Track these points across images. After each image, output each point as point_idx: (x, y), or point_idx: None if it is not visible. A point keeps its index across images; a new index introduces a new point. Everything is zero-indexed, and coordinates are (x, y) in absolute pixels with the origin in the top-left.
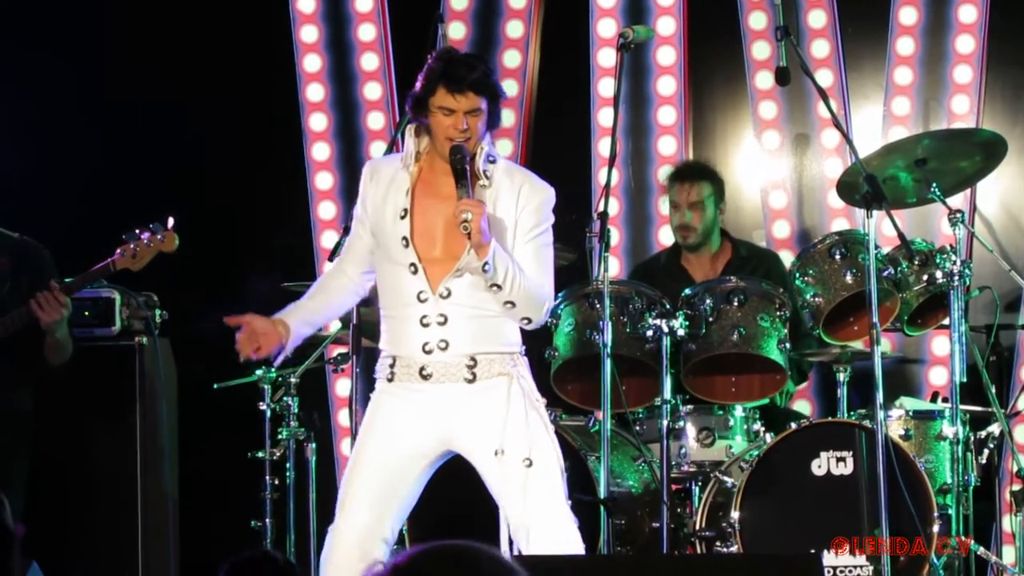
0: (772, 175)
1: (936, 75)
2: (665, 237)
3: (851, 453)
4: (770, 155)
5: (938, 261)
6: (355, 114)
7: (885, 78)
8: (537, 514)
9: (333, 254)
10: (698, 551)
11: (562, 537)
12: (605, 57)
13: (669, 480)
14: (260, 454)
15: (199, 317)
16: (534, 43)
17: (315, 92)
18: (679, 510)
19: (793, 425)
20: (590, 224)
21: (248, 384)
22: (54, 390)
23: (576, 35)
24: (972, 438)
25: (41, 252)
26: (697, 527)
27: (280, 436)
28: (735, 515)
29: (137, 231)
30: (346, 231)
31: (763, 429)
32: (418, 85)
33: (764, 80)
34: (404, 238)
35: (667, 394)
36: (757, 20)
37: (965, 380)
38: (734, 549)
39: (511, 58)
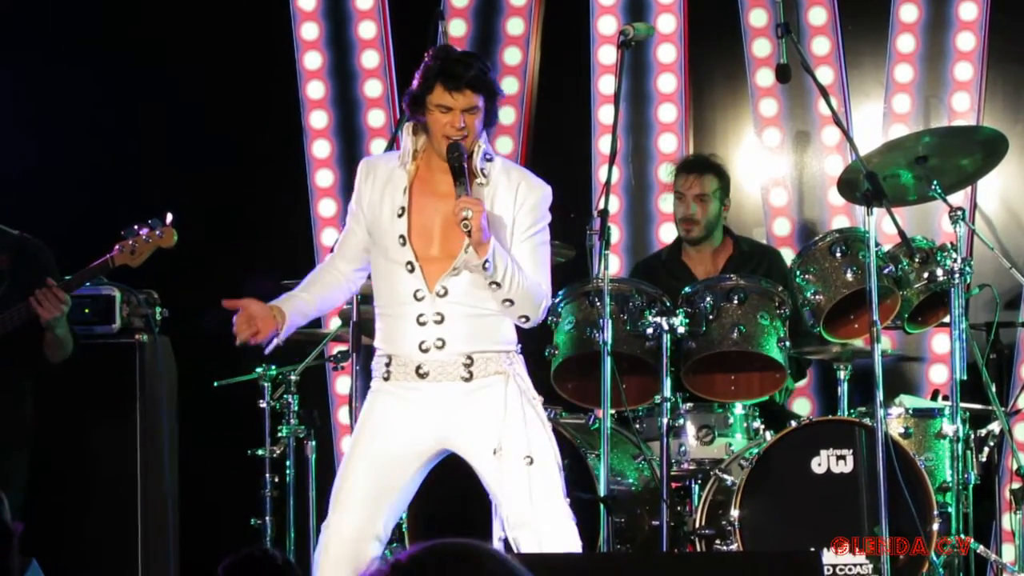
0: (772, 172)
1: (937, 72)
2: (665, 235)
3: (851, 451)
4: (770, 152)
5: (938, 259)
6: (355, 111)
7: (885, 75)
8: (538, 511)
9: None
10: (698, 549)
11: (562, 534)
12: (605, 54)
13: (669, 478)
14: (260, 452)
15: (199, 315)
16: (534, 40)
17: (315, 89)
18: (679, 508)
19: (793, 423)
20: (590, 222)
21: (248, 382)
22: (54, 387)
23: (576, 32)
24: (972, 436)
25: (41, 249)
26: (697, 525)
27: (280, 434)
28: (735, 513)
29: (136, 227)
30: None
31: (763, 427)
32: (415, 83)
33: (765, 77)
34: (401, 236)
35: (667, 392)
36: (758, 17)
37: (965, 378)
38: (734, 547)
39: (511, 55)
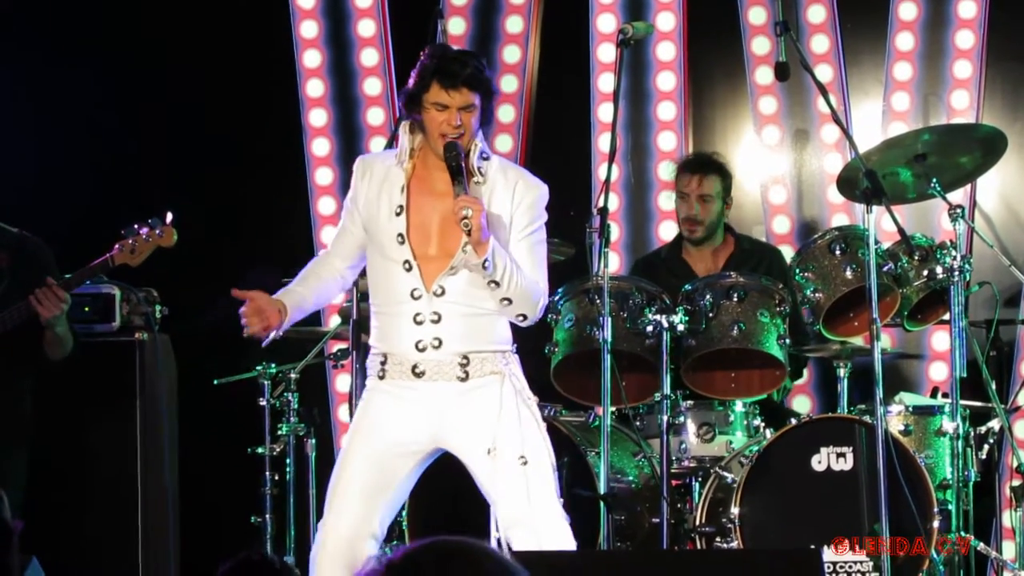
0: (772, 171)
1: (936, 70)
2: (665, 233)
3: (851, 449)
4: (770, 151)
5: (938, 256)
6: (355, 110)
7: (885, 73)
8: (532, 511)
9: None
10: (698, 547)
11: (555, 534)
12: (605, 52)
13: (669, 476)
14: (260, 450)
15: (199, 313)
16: (534, 39)
17: (315, 88)
18: (679, 506)
19: (793, 421)
20: (590, 219)
21: (248, 380)
22: (54, 386)
23: (576, 31)
24: (972, 433)
25: (41, 247)
26: (697, 523)
27: (280, 432)
28: (735, 511)
29: (136, 226)
30: None
31: (763, 425)
32: (411, 82)
33: (764, 76)
34: (400, 235)
35: (667, 389)
36: (757, 15)
37: (965, 375)
38: (734, 545)
39: (511, 54)
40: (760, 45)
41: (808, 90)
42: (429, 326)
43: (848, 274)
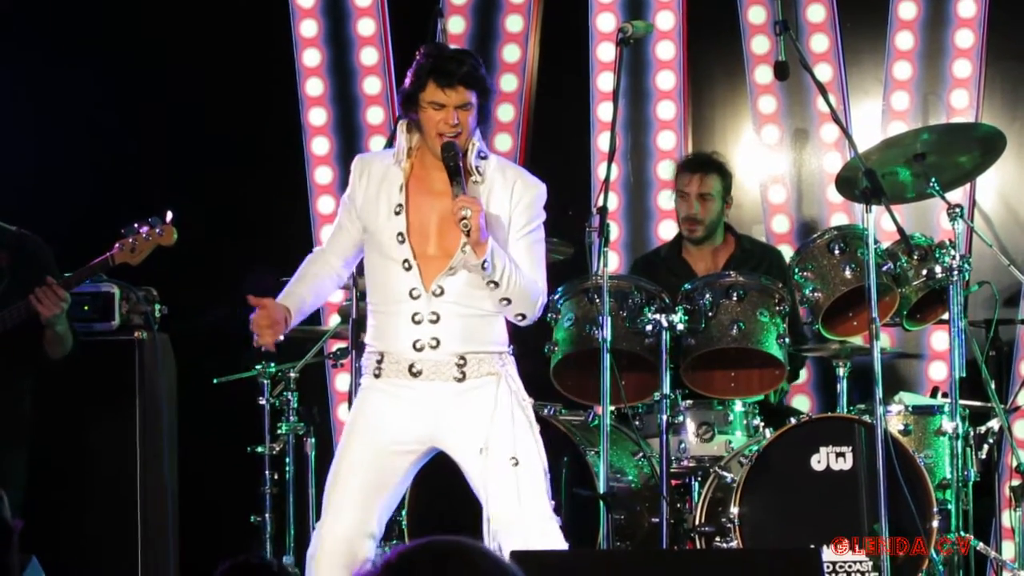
0: (771, 170)
1: (935, 70)
2: (665, 232)
3: (850, 448)
4: (769, 150)
5: (937, 256)
6: (355, 109)
7: (884, 73)
8: (521, 512)
9: None
10: (697, 546)
11: (544, 535)
12: (604, 52)
13: (668, 475)
14: (259, 449)
15: (199, 312)
16: (533, 38)
17: (314, 87)
18: (678, 505)
19: (792, 420)
20: (589, 219)
21: (248, 379)
22: (54, 385)
23: (575, 30)
24: (971, 433)
25: (40, 246)
26: (696, 522)
27: (279, 431)
28: (734, 510)
29: (136, 225)
30: None
31: (763, 424)
32: (408, 81)
33: (763, 75)
34: (400, 234)
35: (666, 389)
36: (756, 15)
37: (964, 375)
38: (733, 544)
39: (510, 53)
40: (759, 44)
41: (807, 89)
42: (427, 326)
43: (847, 273)
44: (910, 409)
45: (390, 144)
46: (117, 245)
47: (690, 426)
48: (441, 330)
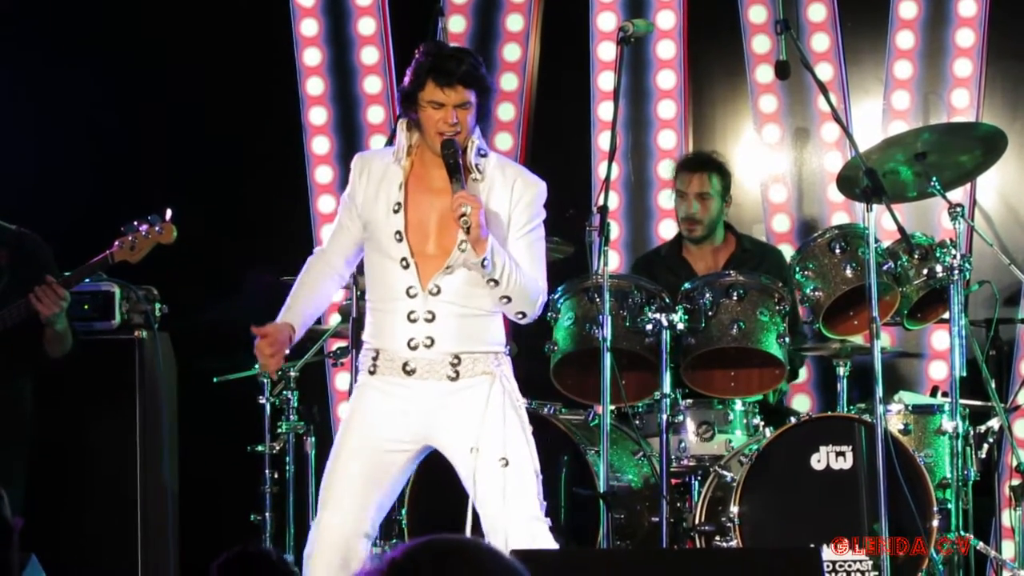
0: (772, 169)
1: (936, 69)
2: (665, 231)
3: (850, 447)
4: (770, 149)
5: (938, 255)
6: (355, 108)
7: (885, 72)
8: (509, 512)
9: None
10: (697, 545)
11: (533, 537)
12: (605, 51)
13: (668, 474)
14: (260, 448)
15: (199, 311)
16: (534, 37)
17: (315, 86)
18: (678, 504)
19: (792, 419)
20: (590, 218)
21: (248, 378)
22: (54, 383)
23: (576, 29)
24: (972, 433)
25: (40, 245)
26: (696, 521)
27: (280, 430)
28: (734, 509)
29: (135, 223)
30: None
31: (763, 423)
32: (407, 80)
33: (764, 74)
34: (398, 232)
35: (666, 388)
36: (757, 14)
37: (965, 374)
38: (733, 543)
39: (511, 52)
40: (760, 43)
41: (808, 88)
42: (423, 324)
43: (848, 273)
44: (910, 408)
45: (390, 143)
46: (116, 243)
47: (690, 425)
48: (436, 329)
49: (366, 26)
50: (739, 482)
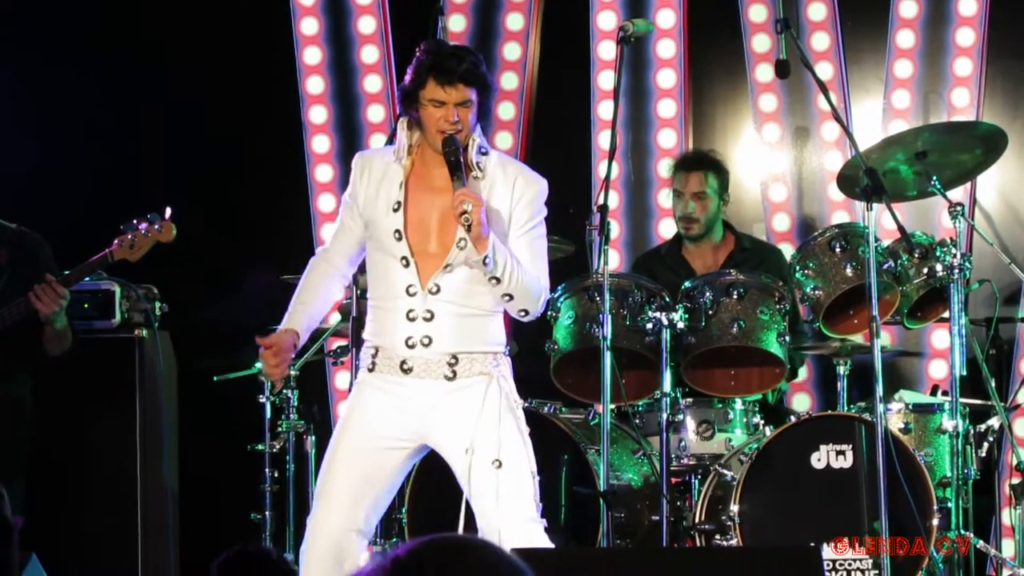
0: (772, 168)
1: (936, 68)
2: (665, 230)
3: (851, 446)
4: (770, 148)
5: (938, 254)
6: (355, 107)
7: (885, 71)
8: (501, 514)
9: None
10: (697, 544)
11: (528, 539)
12: (605, 50)
13: (668, 473)
14: (260, 447)
15: (199, 310)
16: (534, 36)
17: (315, 85)
18: (678, 503)
19: (792, 418)
20: (590, 217)
21: (248, 377)
22: (54, 382)
23: (576, 28)
24: (972, 431)
25: (39, 243)
26: (696, 520)
27: (280, 429)
28: (734, 508)
29: (135, 221)
30: None
31: (763, 422)
32: (407, 78)
33: (764, 73)
34: (397, 231)
35: (667, 387)
36: (757, 13)
37: (965, 373)
38: (733, 542)
39: (511, 51)
40: (760, 42)
41: (808, 88)
42: (421, 323)
43: (848, 272)
44: (910, 407)
45: (390, 141)
46: (116, 241)
47: (690, 424)
48: (434, 328)
49: (366, 25)
50: (739, 481)
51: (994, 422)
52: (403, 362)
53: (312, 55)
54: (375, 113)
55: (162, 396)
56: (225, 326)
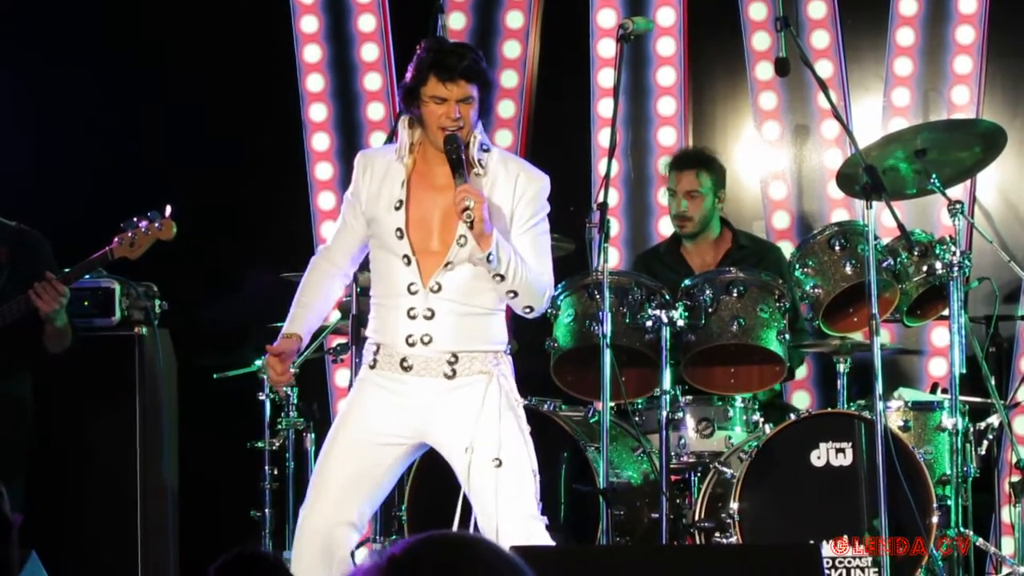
0: (772, 166)
1: (936, 66)
2: (665, 228)
3: (850, 444)
4: (770, 146)
5: (937, 252)
6: (355, 105)
7: (885, 69)
8: (503, 514)
9: None
10: (697, 542)
11: (530, 537)
12: (605, 47)
13: (668, 471)
14: (259, 444)
15: (199, 307)
16: (534, 33)
17: (315, 82)
18: (678, 501)
19: (792, 416)
20: (590, 215)
21: (247, 374)
22: (54, 380)
23: (576, 25)
24: (971, 429)
25: (39, 241)
26: (696, 518)
27: (279, 426)
28: (734, 506)
29: (135, 219)
30: None
31: (762, 420)
32: (408, 76)
33: (764, 71)
34: (399, 229)
35: (666, 385)
36: (757, 11)
37: (964, 371)
38: (733, 540)
39: (511, 48)
40: (760, 40)
41: (808, 86)
42: (422, 322)
43: (848, 270)
44: (910, 405)
45: (390, 140)
46: (116, 239)
47: (690, 422)
48: (435, 327)
49: (366, 23)
50: (739, 478)
51: (994, 420)
52: (403, 359)
53: (312, 53)
54: (375, 111)
55: (162, 394)
56: (225, 324)
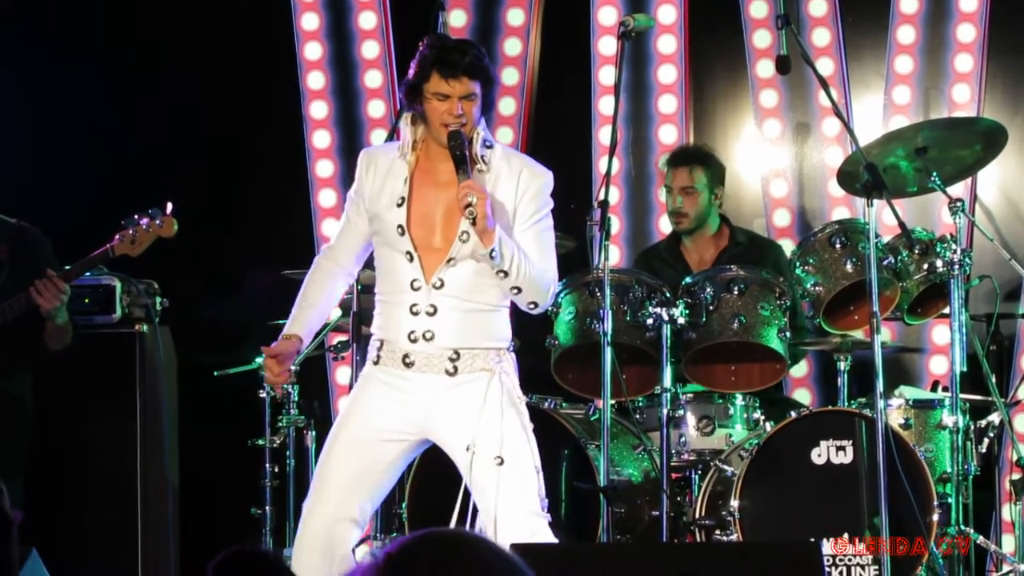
0: (773, 163)
1: (937, 64)
2: (665, 226)
3: (851, 442)
4: (771, 144)
5: (938, 250)
6: (356, 102)
7: (886, 67)
8: (506, 511)
9: None
10: (698, 539)
11: (533, 534)
12: (606, 45)
13: (669, 468)
14: (260, 442)
15: (200, 305)
16: (535, 31)
17: (316, 80)
18: (679, 498)
19: (793, 414)
20: (591, 212)
21: (248, 371)
22: (54, 377)
23: (577, 23)
24: (972, 427)
25: (40, 238)
26: (697, 515)
27: (280, 424)
28: (735, 504)
29: (136, 216)
30: None
31: (763, 418)
32: (411, 73)
33: (765, 68)
34: (400, 226)
35: (667, 382)
36: (758, 8)
37: (965, 369)
38: (734, 538)
39: (512, 46)
40: (761, 38)
41: (809, 83)
42: (424, 318)
43: (848, 267)
44: (911, 403)
45: (391, 137)
46: (117, 236)
47: (691, 419)
48: (437, 323)
49: (367, 20)
50: (739, 476)
51: (994, 418)
52: (405, 356)
53: (313, 51)
54: (376, 108)
55: (162, 391)
56: (225, 321)
